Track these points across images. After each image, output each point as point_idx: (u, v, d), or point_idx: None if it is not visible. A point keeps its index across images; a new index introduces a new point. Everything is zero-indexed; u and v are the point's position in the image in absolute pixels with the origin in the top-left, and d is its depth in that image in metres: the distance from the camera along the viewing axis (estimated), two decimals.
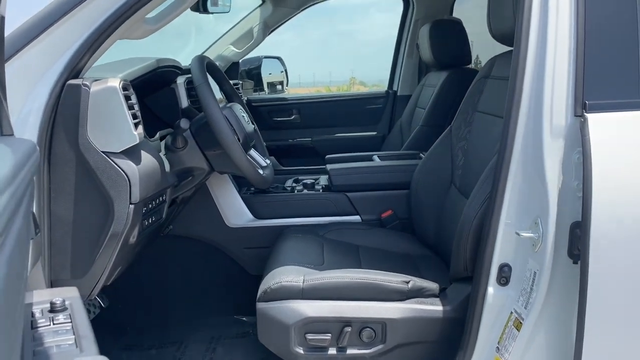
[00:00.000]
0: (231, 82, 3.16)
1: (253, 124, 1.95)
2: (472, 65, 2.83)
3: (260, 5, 3.05)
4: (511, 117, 1.30)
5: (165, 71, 1.86)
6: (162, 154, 1.66)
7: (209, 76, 1.89)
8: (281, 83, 3.89)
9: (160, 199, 1.55)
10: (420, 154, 2.44)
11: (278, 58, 3.72)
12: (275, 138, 3.31)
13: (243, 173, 1.64)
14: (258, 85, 3.57)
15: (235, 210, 2.13)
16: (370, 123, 3.31)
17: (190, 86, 2.01)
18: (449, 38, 2.61)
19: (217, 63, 3.09)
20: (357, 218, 2.14)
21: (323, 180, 2.33)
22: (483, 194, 1.45)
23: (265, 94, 3.71)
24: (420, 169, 2.03)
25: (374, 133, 3.30)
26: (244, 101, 3.31)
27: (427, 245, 1.96)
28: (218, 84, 1.91)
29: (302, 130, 3.32)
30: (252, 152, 1.85)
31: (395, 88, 3.30)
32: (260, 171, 1.70)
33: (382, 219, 2.11)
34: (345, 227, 2.05)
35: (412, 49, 3.16)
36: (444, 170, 1.95)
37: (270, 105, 3.30)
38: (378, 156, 2.45)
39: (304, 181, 2.26)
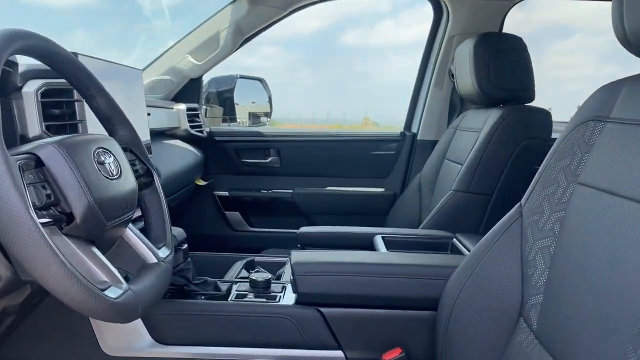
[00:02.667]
0: (185, 105, 2.29)
1: (150, 172, 1.03)
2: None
3: (231, 3, 2.16)
4: None
5: None
6: None
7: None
8: (267, 114, 3.00)
9: None
10: (455, 240, 1.50)
11: (260, 80, 2.83)
12: (244, 186, 2.39)
13: (46, 288, 0.69)
14: (230, 112, 2.68)
15: (121, 328, 1.18)
16: (376, 175, 2.38)
17: (51, 99, 1.11)
18: (506, 60, 1.70)
19: (168, 78, 2.21)
20: (338, 355, 1.19)
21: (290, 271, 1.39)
22: None
23: (243, 125, 2.82)
24: (459, 278, 1.08)
25: (381, 190, 2.37)
26: (206, 132, 2.43)
27: None
28: (82, 95, 0.98)
29: (282, 179, 2.39)
30: (128, 232, 0.92)
31: (414, 130, 2.38)
32: (112, 294, 0.75)
33: None
34: None
35: (442, 77, 2.26)
36: (507, 289, 0.99)
37: (240, 141, 2.38)
38: (383, 238, 1.51)
39: (255, 274, 1.31)
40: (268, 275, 1.30)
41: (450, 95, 2.26)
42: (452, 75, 2.24)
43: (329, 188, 2.37)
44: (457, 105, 2.23)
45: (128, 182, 0.90)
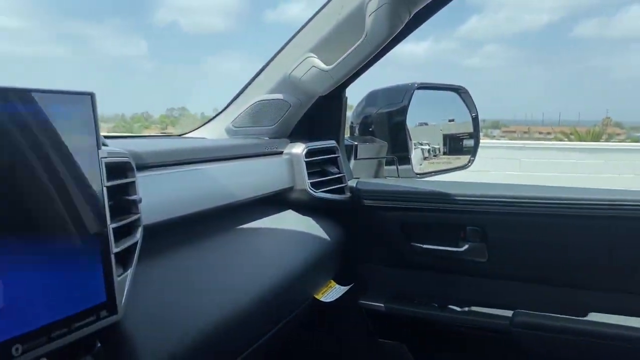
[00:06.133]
0: (305, 146, 1.23)
1: None
2: None
3: None
4: None
5: None
6: None
7: None
8: (473, 139, 1.85)
9: None
10: None
11: (457, 90, 1.69)
12: (415, 293, 1.27)
13: None
14: (399, 148, 1.58)
15: None
16: None
17: None
18: None
19: (280, 97, 1.25)
20: None
21: None
22: None
23: (424, 163, 1.72)
24: None
25: None
26: (348, 191, 1.33)
27: None
28: None
29: (489, 286, 1.21)
30: None
31: None
32: None
33: None
34: None
35: None
36: None
37: (409, 208, 1.27)
38: None
39: None
40: None
41: None
42: None
43: (593, 315, 1.12)
44: None
45: None
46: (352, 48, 1.13)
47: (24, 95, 0.53)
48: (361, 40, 1.12)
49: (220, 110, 1.39)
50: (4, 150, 0.50)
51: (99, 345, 0.61)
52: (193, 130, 1.37)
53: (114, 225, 0.62)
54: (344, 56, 1.15)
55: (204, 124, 1.37)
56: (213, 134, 1.34)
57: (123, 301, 0.62)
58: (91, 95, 0.60)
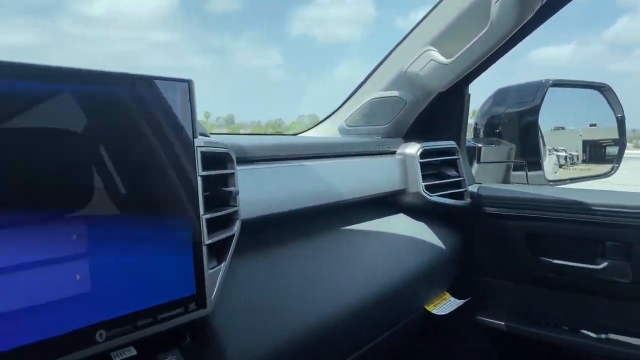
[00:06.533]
0: (420, 146, 1.15)
1: None
2: None
3: None
4: None
5: None
6: None
7: None
8: (618, 145, 1.64)
9: None
10: None
11: (600, 87, 1.50)
12: (541, 312, 1.14)
13: None
14: (530, 152, 1.44)
15: None
16: None
17: None
18: None
19: (395, 95, 1.19)
20: None
21: None
22: None
23: (559, 170, 1.56)
24: None
25: None
26: (469, 197, 1.21)
27: None
28: None
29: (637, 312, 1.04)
30: None
31: None
32: None
33: None
34: None
35: None
36: None
37: (537, 217, 1.13)
38: None
39: None
40: None
41: None
42: None
43: None
44: None
45: None
46: (475, 39, 1.04)
47: (140, 81, 0.53)
48: (485, 30, 1.02)
49: (335, 109, 1.36)
50: (126, 129, 0.51)
51: (188, 339, 0.59)
52: (307, 130, 1.36)
53: (208, 216, 0.60)
54: (465, 48, 1.06)
55: (319, 123, 1.35)
56: (327, 133, 1.31)
57: (214, 295, 0.60)
58: (189, 82, 0.59)
